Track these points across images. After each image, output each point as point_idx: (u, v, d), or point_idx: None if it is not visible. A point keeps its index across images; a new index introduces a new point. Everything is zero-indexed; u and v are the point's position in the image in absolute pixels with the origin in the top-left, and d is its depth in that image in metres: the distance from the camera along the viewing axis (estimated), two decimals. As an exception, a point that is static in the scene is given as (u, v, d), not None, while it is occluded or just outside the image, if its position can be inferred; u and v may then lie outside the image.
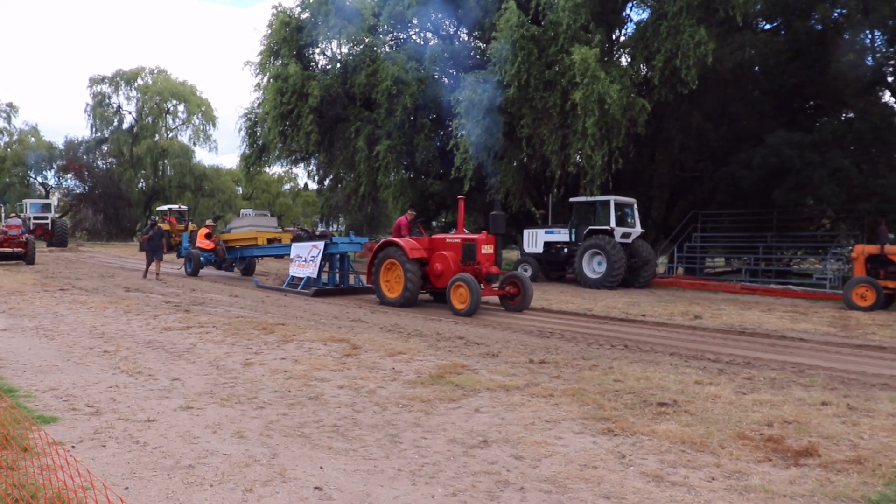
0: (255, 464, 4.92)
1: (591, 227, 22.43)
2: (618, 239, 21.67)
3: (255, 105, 33.65)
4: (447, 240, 15.58)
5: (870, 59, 25.04)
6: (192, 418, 6.03)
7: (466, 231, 16.73)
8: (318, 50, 31.72)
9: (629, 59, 25.92)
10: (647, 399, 6.76)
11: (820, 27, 25.62)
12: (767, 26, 28.12)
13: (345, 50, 30.75)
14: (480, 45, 30.97)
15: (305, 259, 18.50)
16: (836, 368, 9.09)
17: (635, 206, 23.60)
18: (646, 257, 22.68)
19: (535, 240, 24.50)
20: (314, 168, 40.02)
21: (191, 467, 4.83)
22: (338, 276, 19.09)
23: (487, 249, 15.01)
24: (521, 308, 14.93)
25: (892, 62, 24.91)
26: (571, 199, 23.91)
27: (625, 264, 21.35)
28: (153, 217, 25.80)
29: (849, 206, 23.55)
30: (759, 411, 6.43)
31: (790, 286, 22.04)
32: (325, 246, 18.31)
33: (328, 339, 10.09)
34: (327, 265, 19.08)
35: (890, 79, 25.18)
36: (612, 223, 22.00)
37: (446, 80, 31.03)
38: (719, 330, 12.86)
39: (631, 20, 27.83)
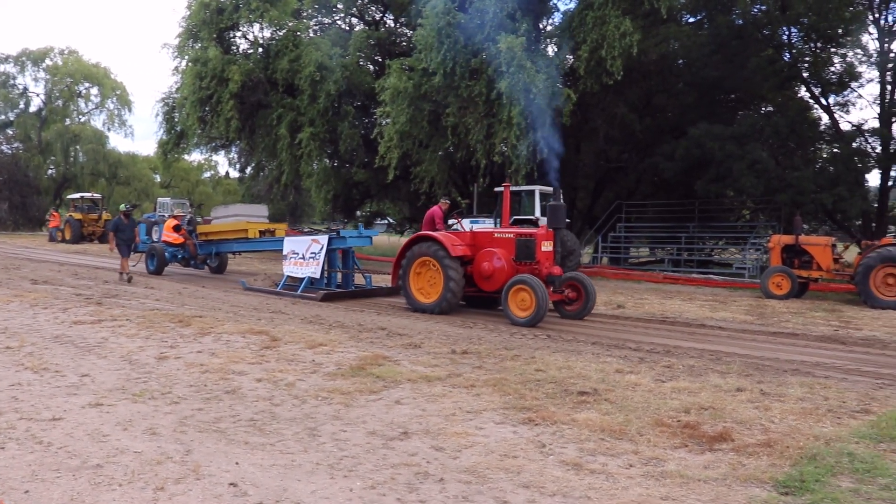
0: (168, 461, 4.74)
1: (516, 217, 22.52)
2: (542, 228, 21.81)
3: (173, 90, 32.66)
4: (495, 234, 13.18)
5: (787, 54, 25.81)
6: (102, 415, 5.79)
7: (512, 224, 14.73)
8: (239, 33, 30.88)
9: (555, 49, 26.12)
10: (568, 388, 6.80)
11: (740, 22, 26.29)
12: (691, 20, 28.74)
13: (267, 34, 30.06)
14: (407, 31, 30.81)
15: (304, 256, 15.84)
16: (752, 355, 9.33)
17: (561, 194, 23.78)
18: (570, 247, 22.90)
19: (460, 230, 24.49)
20: (235, 155, 39.33)
21: (98, 467, 4.62)
22: (339, 275, 16.34)
23: (547, 247, 12.62)
24: (581, 315, 12.66)
25: (807, 58, 25.73)
26: (496, 189, 23.99)
27: (549, 254, 21.55)
28: (128, 204, 22.72)
29: (766, 197, 24.31)
30: (677, 398, 6.54)
31: (711, 276, 22.62)
32: (330, 240, 15.62)
33: (247, 332, 9.86)
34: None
35: (805, 74, 25.99)
36: (537, 213, 22.16)
37: (371, 67, 30.81)
38: (641, 319, 13.09)
39: (558, 10, 28.14)
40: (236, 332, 9.86)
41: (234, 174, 54.78)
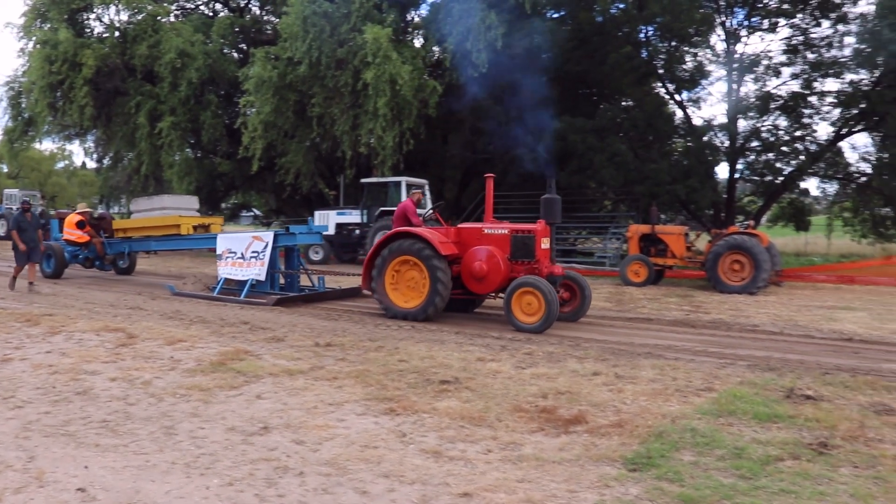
0: (8, 470, 4.48)
1: (382, 209, 22.54)
2: (410, 219, 21.91)
3: (20, 73, 30.63)
4: (485, 230, 11.69)
5: (644, 52, 26.93)
6: (-68, 425, 5.41)
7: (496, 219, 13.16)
8: (93, 15, 29.39)
9: (422, 41, 26.26)
10: (430, 378, 6.87)
11: (601, 19, 27.20)
12: (555, 15, 29.51)
13: (124, 17, 28.71)
14: (272, 19, 30.21)
15: (243, 256, 13.90)
16: (609, 340, 9.72)
17: (427, 187, 24.00)
18: (440, 238, 23.15)
19: (326, 221, 24.28)
20: (92, 145, 37.31)
21: (-74, 481, 4.32)
22: (281, 277, 14.45)
23: (546, 244, 11.50)
24: (576, 317, 11.69)
25: (662, 56, 26.94)
26: (363, 180, 23.91)
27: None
28: (26, 198, 19.18)
29: (626, 188, 25.32)
30: (536, 384, 6.73)
31: (574, 264, 23.34)
32: (276, 237, 13.81)
33: (101, 329, 9.42)
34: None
35: (661, 71, 27.21)
36: (404, 204, 22.24)
37: (235, 55, 30.06)
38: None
39: (424, 1, 28.17)
40: (90, 329, 9.41)
41: (91, 164, 52.07)
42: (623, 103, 28.95)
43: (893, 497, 4.16)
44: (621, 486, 4.28)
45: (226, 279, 14.05)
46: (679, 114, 28.77)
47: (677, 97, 28.26)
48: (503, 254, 11.33)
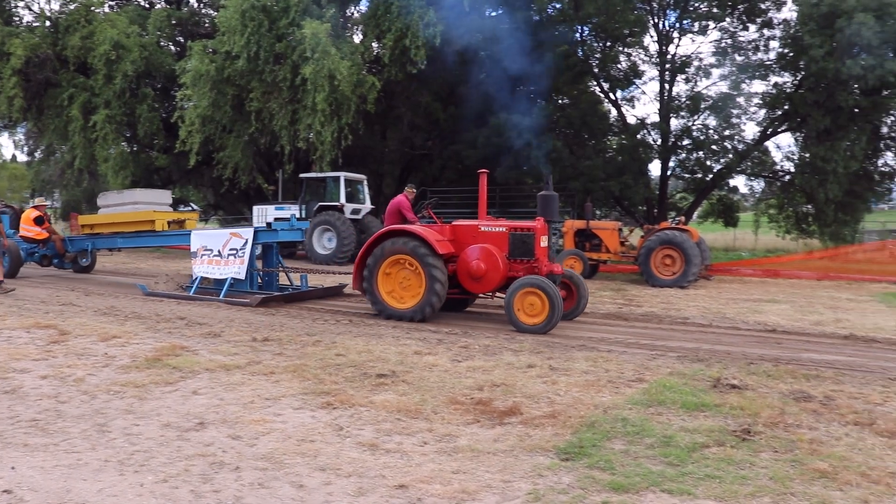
0: (-69, 473, 4.38)
1: (321, 204, 22.46)
2: (348, 215, 21.91)
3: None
4: (481, 228, 11.20)
5: (580, 51, 27.37)
6: None
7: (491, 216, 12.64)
8: (21, 3, 28.60)
9: (361, 37, 26.20)
10: (368, 371, 6.91)
11: (538, 18, 27.53)
12: (493, 13, 29.70)
13: (56, 6, 28.02)
14: (210, 12, 29.77)
15: (220, 253, 13.23)
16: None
17: (365, 182, 24.01)
18: (375, 233, 23.16)
19: (265, 216, 24.00)
20: (22, 137, 36.24)
21: None
22: (260, 275, 13.79)
23: (545, 242, 11.00)
24: (572, 316, 11.33)
25: (597, 55, 27.41)
26: (302, 175, 23.79)
27: (355, 240, 21.68)
28: None
29: (561, 184, 25.67)
30: (472, 377, 6.82)
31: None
32: (256, 234, 13.16)
33: (32, 326, 9.20)
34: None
35: (596, 70, 27.68)
36: (342, 199, 22.22)
37: (173, 48, 29.54)
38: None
39: (364, -3, 28.16)
40: (20, 327, 9.19)
41: (22, 157, 50.45)
42: (559, 101, 29.37)
43: (808, 479, 4.36)
44: (554, 476, 4.38)
45: (202, 278, 13.36)
46: (613, 112, 29.37)
47: (612, 96, 28.81)
48: (501, 252, 10.92)
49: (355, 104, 22.56)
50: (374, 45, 25.37)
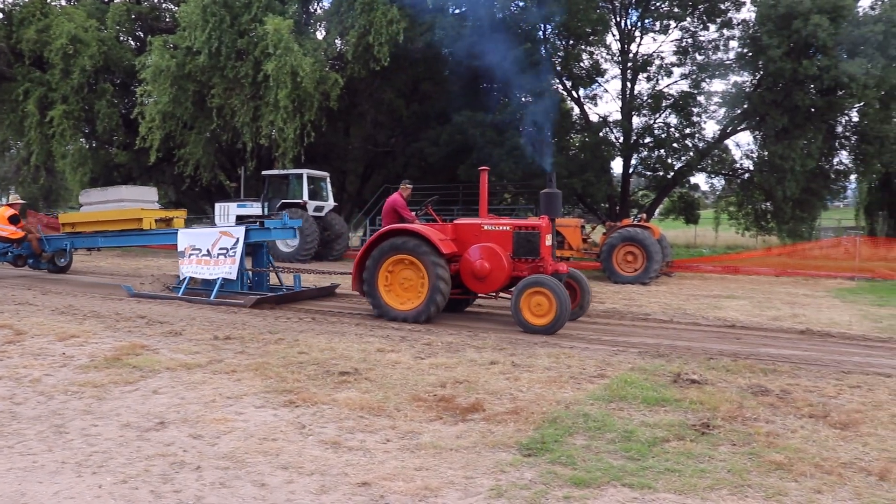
0: None
1: (284, 201, 22.33)
2: (311, 212, 21.82)
3: None
4: (484, 227, 10.97)
5: (543, 49, 27.48)
6: None
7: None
8: (-28, -5, 27.95)
9: (324, 33, 26.06)
10: (330, 369, 6.89)
11: (501, 15, 27.59)
12: (456, 11, 29.72)
13: (9, -1, 27.43)
14: (171, 7, 29.40)
15: (210, 253, 12.76)
16: (507, 330, 9.94)
17: (328, 179, 23.92)
18: (339, 230, 23.12)
19: (226, 213, 23.74)
20: (-25, 133, 35.38)
21: None
22: (250, 274, 13.38)
23: (549, 241, 10.82)
24: (576, 316, 11.15)
25: (560, 53, 27.56)
26: (264, 173, 23.62)
27: (318, 238, 21.61)
28: None
29: (524, 182, 25.83)
30: (435, 374, 6.84)
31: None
32: (248, 233, 12.70)
33: (-14, 326, 9.06)
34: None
35: (559, 67, 27.82)
36: (305, 196, 22.12)
37: (133, 43, 29.13)
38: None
39: (327, -7, 28.02)
40: (-27, 327, 9.02)
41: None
42: (522, 98, 29.48)
43: (765, 471, 4.45)
44: (516, 471, 4.41)
45: (189, 277, 12.88)
46: (576, 110, 29.57)
47: (574, 94, 29.01)
48: (505, 251, 10.63)
49: (318, 101, 22.45)
50: (338, 41, 25.27)
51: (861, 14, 21.63)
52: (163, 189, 31.66)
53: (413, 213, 11.92)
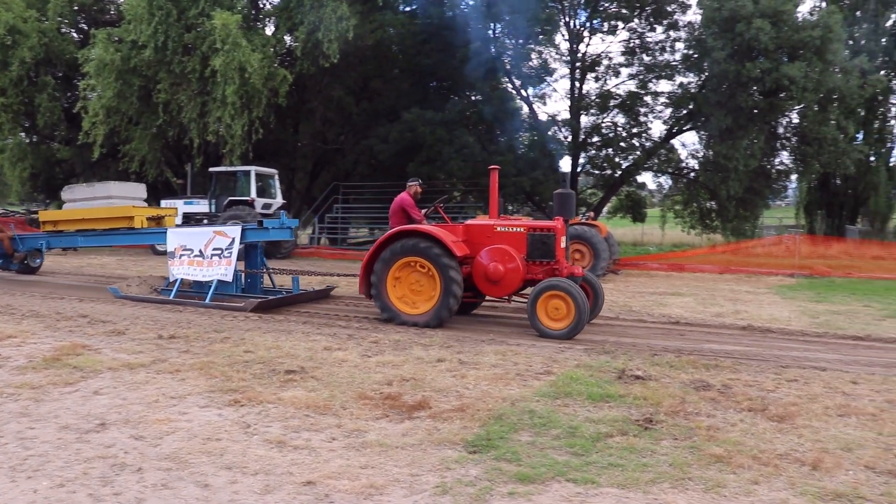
0: None
1: (231, 198, 22.07)
2: (258, 210, 21.61)
3: None
4: (497, 228, 10.53)
5: (492, 48, 27.63)
6: None
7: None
8: None
9: (273, 29, 25.82)
10: (276, 368, 6.84)
11: (451, 14, 27.68)
12: (407, 9, 29.72)
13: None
14: (115, -1, 28.85)
15: (203, 254, 12.16)
16: (454, 328, 9.96)
17: (276, 176, 23.72)
18: (287, 228, 22.94)
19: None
20: None
21: None
22: (243, 276, 12.71)
23: (564, 242, 10.45)
24: (590, 319, 10.53)
25: (509, 52, 27.75)
26: (212, 169, 23.32)
27: (266, 236, 21.42)
28: None
29: (473, 180, 25.92)
30: (382, 372, 6.82)
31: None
32: (244, 233, 12.09)
33: (-82, 326, 8.78)
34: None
35: (508, 67, 28.02)
36: (253, 194, 21.90)
37: (75, 36, 28.50)
38: (353, 297, 13.36)
39: (277, -12, 27.72)
40: None
41: None
42: (472, 97, 29.62)
43: (705, 464, 4.55)
44: (462, 468, 4.43)
45: (180, 279, 12.25)
46: (525, 108, 29.81)
47: (523, 93, 29.24)
48: (519, 253, 10.24)
49: (266, 97, 22.26)
50: (287, 37, 25.08)
51: (801, 19, 22.18)
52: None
53: (422, 213, 11.49)
